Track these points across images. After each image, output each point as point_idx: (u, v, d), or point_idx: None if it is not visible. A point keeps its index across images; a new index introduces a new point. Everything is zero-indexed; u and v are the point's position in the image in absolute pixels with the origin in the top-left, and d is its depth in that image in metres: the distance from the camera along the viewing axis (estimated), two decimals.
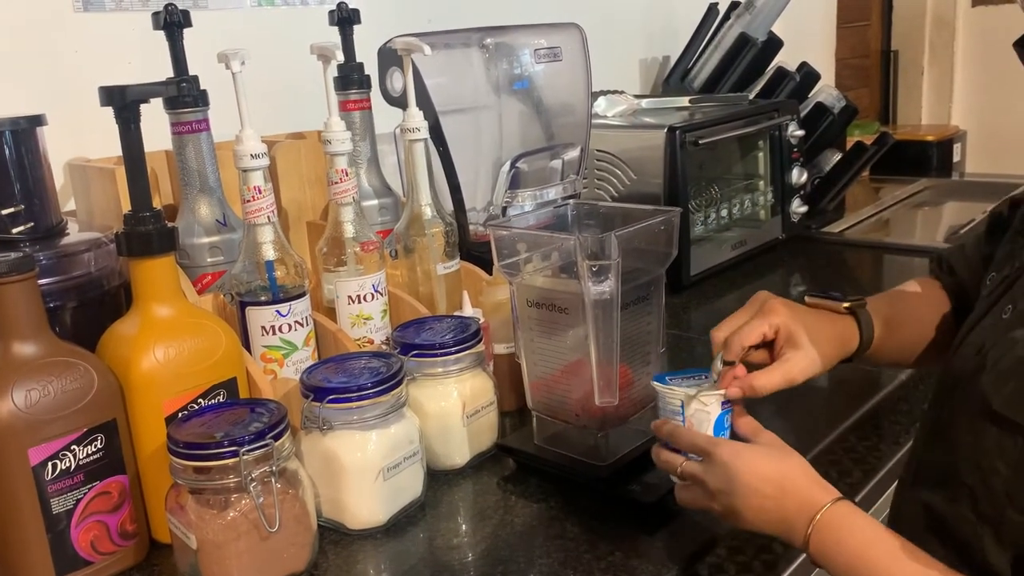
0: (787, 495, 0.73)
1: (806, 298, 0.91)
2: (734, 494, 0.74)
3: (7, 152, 0.95)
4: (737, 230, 1.72)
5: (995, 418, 0.70)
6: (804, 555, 0.95)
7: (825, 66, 2.76)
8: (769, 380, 0.81)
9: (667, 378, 0.84)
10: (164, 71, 1.05)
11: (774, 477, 0.73)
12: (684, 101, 1.79)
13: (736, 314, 0.86)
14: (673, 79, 2.05)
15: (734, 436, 0.80)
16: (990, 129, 2.97)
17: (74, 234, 0.99)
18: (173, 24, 1.03)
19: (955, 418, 0.76)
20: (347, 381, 0.85)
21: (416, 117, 1.11)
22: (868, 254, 1.84)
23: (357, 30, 1.24)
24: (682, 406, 0.80)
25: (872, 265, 1.81)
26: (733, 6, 2.00)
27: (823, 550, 0.71)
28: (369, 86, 1.23)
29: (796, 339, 0.82)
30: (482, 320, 1.06)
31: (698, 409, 0.79)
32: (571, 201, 1.09)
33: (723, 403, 0.80)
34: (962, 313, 0.95)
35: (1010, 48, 0.84)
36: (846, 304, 0.89)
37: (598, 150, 1.57)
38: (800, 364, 0.82)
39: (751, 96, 1.88)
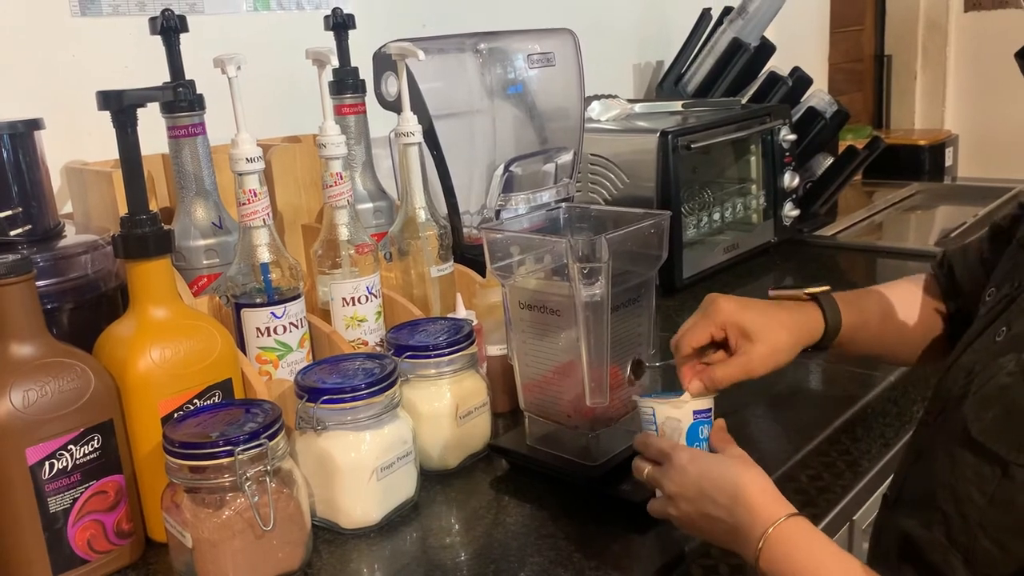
0: (740, 505, 0.73)
1: (769, 292, 0.92)
2: (687, 498, 0.74)
3: (5, 155, 0.96)
4: (730, 233, 1.73)
5: (973, 445, 0.69)
6: None
7: (818, 71, 2.78)
8: (726, 372, 0.82)
9: (654, 395, 0.85)
10: (161, 75, 1.06)
11: (727, 486, 0.73)
12: (677, 106, 1.80)
13: (689, 320, 0.87)
14: (667, 84, 2.06)
15: (709, 448, 0.81)
16: (982, 133, 2.99)
17: (71, 236, 1.00)
18: (170, 29, 1.05)
19: (936, 441, 0.76)
20: (341, 382, 0.86)
21: (410, 121, 1.12)
22: (860, 257, 1.85)
23: (352, 35, 1.25)
24: (653, 415, 0.82)
25: (864, 268, 1.82)
26: (726, 11, 2.01)
27: (772, 566, 0.70)
28: (364, 90, 1.25)
29: (749, 332, 0.83)
30: (475, 322, 1.07)
31: (669, 417, 0.81)
32: (564, 204, 1.10)
33: (697, 412, 0.80)
34: (957, 316, 0.96)
35: (1003, 52, 0.84)
36: (807, 291, 0.90)
37: (591, 154, 1.58)
38: (757, 354, 0.83)
39: (744, 101, 1.89)
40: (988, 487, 0.67)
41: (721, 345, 0.86)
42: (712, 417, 0.82)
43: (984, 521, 0.67)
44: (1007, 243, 0.88)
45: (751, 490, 0.73)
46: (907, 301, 0.97)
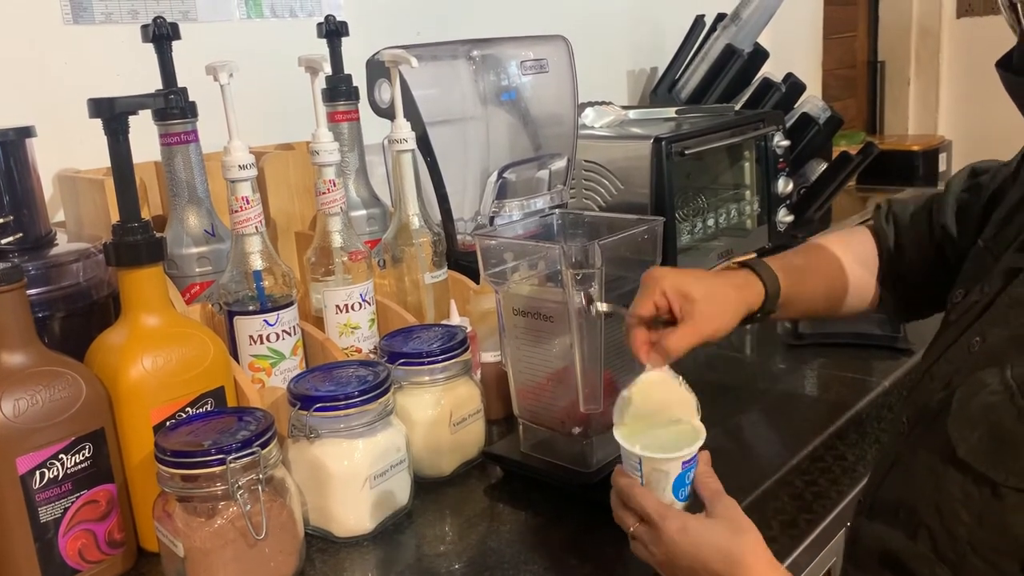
0: None
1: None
2: (679, 567, 0.72)
3: None
4: (724, 239, 1.73)
5: (959, 465, 0.69)
6: (795, 555, 0.96)
7: (812, 77, 2.79)
8: (679, 338, 0.80)
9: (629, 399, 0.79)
10: (154, 83, 1.06)
11: (722, 559, 0.71)
12: (671, 112, 1.80)
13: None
14: (660, 90, 2.06)
15: (694, 492, 0.77)
16: (976, 139, 3.00)
17: (63, 244, 1.00)
18: (162, 36, 1.04)
19: (917, 455, 0.75)
20: (334, 389, 0.86)
21: (404, 128, 1.12)
22: None
23: (345, 42, 1.25)
24: (640, 464, 0.76)
25: None
26: (719, 18, 2.02)
27: None
28: (357, 97, 1.25)
29: (690, 294, 0.81)
30: (469, 329, 1.07)
31: (656, 470, 0.75)
32: (557, 211, 1.10)
33: (685, 462, 0.75)
34: (888, 266, 0.97)
35: (995, 58, 0.81)
36: (735, 260, 0.90)
37: (585, 160, 1.58)
38: (702, 314, 0.81)
39: (737, 107, 1.90)
40: (976, 507, 0.67)
41: (671, 323, 0.83)
42: (696, 459, 0.77)
43: (973, 540, 0.67)
44: (968, 221, 0.89)
45: (748, 561, 0.70)
46: (836, 253, 0.97)
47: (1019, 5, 0.72)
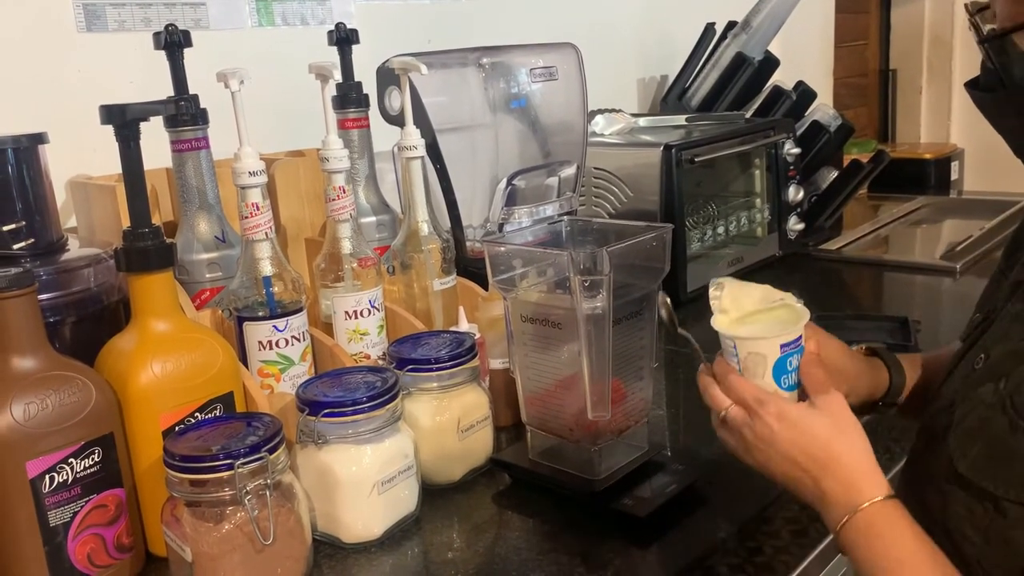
0: (828, 476, 0.68)
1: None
2: (771, 459, 0.70)
3: (9, 169, 0.96)
4: (734, 247, 1.73)
5: (961, 481, 0.68)
6: (805, 563, 0.95)
7: (823, 85, 2.78)
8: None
9: (723, 281, 0.78)
10: (166, 90, 1.07)
11: (819, 454, 0.68)
12: (681, 120, 1.80)
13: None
14: (671, 98, 2.06)
15: (799, 383, 0.74)
16: (988, 147, 2.97)
17: (74, 250, 1.00)
18: (173, 44, 1.05)
19: (925, 477, 0.74)
20: (343, 395, 0.86)
21: (413, 135, 1.13)
22: (866, 271, 1.84)
23: (356, 50, 1.26)
24: (735, 348, 0.74)
25: (870, 282, 1.81)
26: (730, 25, 2.02)
27: (853, 547, 0.67)
28: (367, 105, 1.25)
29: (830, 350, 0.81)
30: (478, 335, 1.06)
31: (752, 353, 0.73)
32: (566, 218, 1.10)
33: (785, 345, 0.72)
34: None
35: None
36: (864, 347, 0.90)
37: (595, 168, 1.58)
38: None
39: (748, 115, 1.90)
40: (981, 524, 0.66)
41: None
42: (802, 345, 0.73)
43: (982, 558, 0.66)
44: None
45: (844, 462, 0.68)
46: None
47: (978, 21, 0.72)
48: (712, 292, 0.79)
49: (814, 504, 0.71)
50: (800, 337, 0.74)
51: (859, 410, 0.83)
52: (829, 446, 0.69)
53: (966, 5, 0.74)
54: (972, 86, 0.76)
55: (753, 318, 0.77)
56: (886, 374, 0.88)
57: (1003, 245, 0.89)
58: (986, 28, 0.71)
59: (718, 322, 0.77)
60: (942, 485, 0.70)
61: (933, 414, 0.78)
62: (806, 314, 0.75)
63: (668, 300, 0.85)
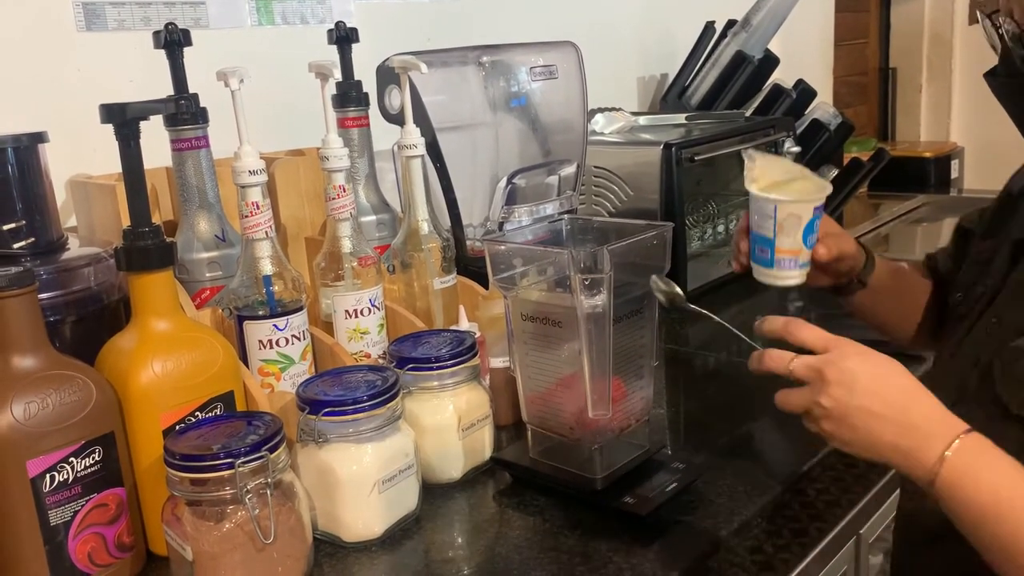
0: (915, 411, 0.67)
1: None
2: (853, 393, 0.67)
3: (9, 168, 0.96)
4: None
5: (1015, 419, 0.74)
6: (805, 563, 0.96)
7: (823, 83, 2.78)
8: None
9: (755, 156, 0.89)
10: (165, 89, 1.07)
11: (908, 386, 0.67)
12: (681, 118, 1.80)
13: None
14: (671, 96, 2.06)
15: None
16: (988, 145, 2.98)
17: (74, 249, 1.00)
18: (173, 43, 1.05)
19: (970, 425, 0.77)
20: (343, 394, 0.86)
21: (413, 134, 1.13)
22: None
23: (356, 48, 1.26)
24: (775, 211, 0.84)
25: None
26: (730, 24, 2.02)
27: (955, 484, 0.65)
28: (367, 104, 1.25)
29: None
30: (478, 334, 1.07)
31: (791, 215, 0.85)
32: (566, 216, 1.10)
33: (816, 208, 0.85)
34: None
35: None
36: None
37: (595, 166, 1.58)
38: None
39: (748, 113, 1.89)
40: None
41: None
42: (823, 210, 0.86)
43: None
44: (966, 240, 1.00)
45: (926, 398, 0.68)
46: (918, 281, 1.05)
47: (998, 21, 0.81)
48: (747, 164, 0.90)
49: (893, 453, 0.68)
50: (824, 203, 0.87)
51: (836, 284, 0.98)
52: (911, 384, 0.69)
53: (978, 10, 0.83)
54: (992, 75, 0.86)
55: (779, 187, 0.88)
56: (862, 252, 0.98)
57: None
58: (1003, 23, 0.81)
59: (758, 187, 0.88)
60: (993, 426, 0.71)
61: (957, 377, 0.83)
62: (829, 185, 0.88)
63: (666, 278, 0.89)
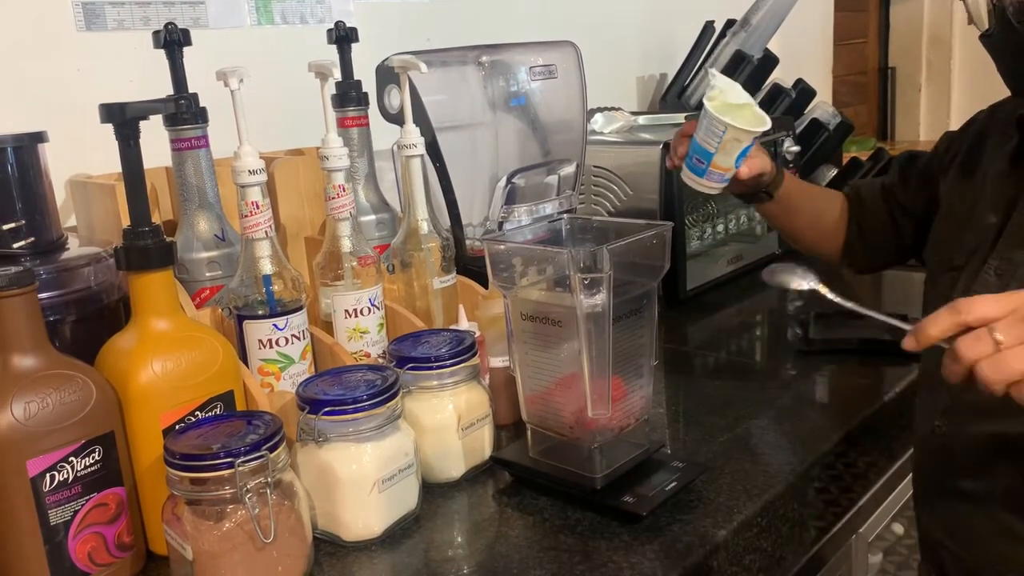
0: None
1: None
2: None
3: (9, 168, 0.96)
4: (733, 245, 1.73)
5: None
6: (804, 562, 0.96)
7: (822, 83, 2.78)
8: None
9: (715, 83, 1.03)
10: (165, 88, 1.07)
11: None
12: (681, 118, 1.80)
13: None
14: (670, 96, 2.06)
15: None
16: None
17: (74, 249, 1.01)
18: (173, 43, 1.05)
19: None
20: (343, 394, 0.86)
21: (413, 133, 1.13)
22: None
23: (355, 48, 1.26)
24: (724, 131, 0.98)
25: (870, 280, 1.81)
26: (729, 24, 2.02)
27: None
28: (367, 103, 1.25)
29: None
30: (478, 333, 1.07)
31: (734, 138, 1.00)
32: (566, 216, 1.10)
33: (756, 138, 1.01)
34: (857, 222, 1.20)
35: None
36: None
37: (595, 166, 1.58)
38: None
39: None
40: None
41: None
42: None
43: None
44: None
45: None
46: (829, 198, 1.22)
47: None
48: (709, 80, 1.04)
49: None
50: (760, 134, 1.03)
51: (746, 195, 1.17)
52: None
53: None
54: (986, 37, 0.93)
55: (731, 110, 1.01)
56: (772, 166, 1.13)
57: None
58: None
59: (713, 106, 1.00)
60: None
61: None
62: (768, 120, 1.03)
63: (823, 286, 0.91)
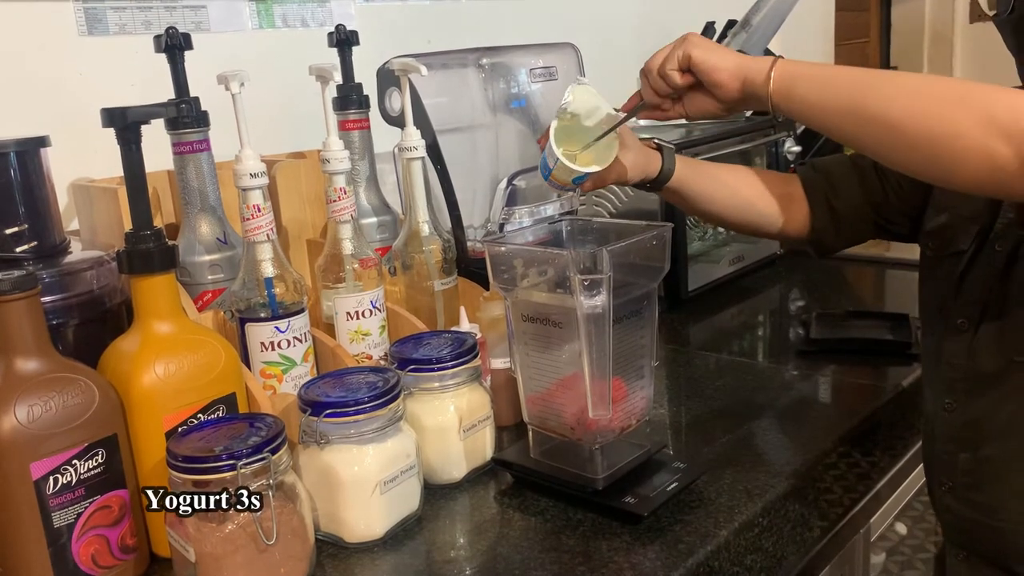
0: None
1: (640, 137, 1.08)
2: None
3: (11, 172, 0.97)
4: (735, 245, 1.73)
5: None
6: (804, 562, 0.96)
7: None
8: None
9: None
10: (167, 92, 1.07)
11: None
12: (681, 119, 1.80)
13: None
14: None
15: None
16: None
17: (77, 253, 1.01)
18: (174, 47, 1.05)
19: (991, 356, 0.92)
20: (345, 396, 0.86)
21: (414, 136, 1.13)
22: (868, 269, 1.84)
23: (356, 51, 1.26)
24: (556, 162, 0.95)
25: (872, 280, 1.82)
26: (730, 24, 2.02)
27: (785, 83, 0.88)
28: (368, 106, 1.25)
29: (626, 140, 1.02)
30: (479, 335, 1.07)
31: (563, 169, 0.95)
32: (567, 218, 1.10)
33: (588, 172, 0.96)
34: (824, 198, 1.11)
35: (1008, 63, 0.94)
36: (656, 141, 1.08)
37: None
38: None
39: (748, 113, 1.89)
40: None
41: None
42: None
43: None
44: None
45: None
46: (756, 179, 1.13)
47: None
48: (568, 89, 0.98)
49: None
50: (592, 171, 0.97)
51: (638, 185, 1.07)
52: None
53: None
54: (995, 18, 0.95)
55: (576, 133, 0.98)
56: (659, 162, 1.06)
57: None
58: None
59: (556, 128, 0.96)
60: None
61: (962, 306, 0.96)
62: (612, 156, 0.97)
63: None
